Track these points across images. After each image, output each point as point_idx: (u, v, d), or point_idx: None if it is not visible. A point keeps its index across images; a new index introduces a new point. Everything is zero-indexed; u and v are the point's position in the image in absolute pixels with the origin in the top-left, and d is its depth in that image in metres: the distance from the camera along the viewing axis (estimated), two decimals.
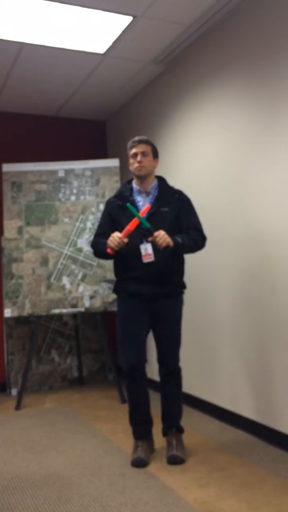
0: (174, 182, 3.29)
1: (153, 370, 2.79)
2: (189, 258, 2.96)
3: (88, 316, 4.59)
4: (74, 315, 4.52)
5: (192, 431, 3.02)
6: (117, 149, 4.75)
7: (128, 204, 2.55)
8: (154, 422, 2.75)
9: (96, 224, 3.80)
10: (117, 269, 2.75)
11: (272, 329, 2.78)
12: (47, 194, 4.06)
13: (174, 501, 2.15)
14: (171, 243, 2.50)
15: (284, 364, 2.69)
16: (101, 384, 4.49)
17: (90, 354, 4.62)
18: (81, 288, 3.96)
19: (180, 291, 2.72)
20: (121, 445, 2.86)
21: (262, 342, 2.86)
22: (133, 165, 2.68)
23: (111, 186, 4.03)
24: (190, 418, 3.23)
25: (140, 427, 2.70)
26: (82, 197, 4.07)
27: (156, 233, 2.48)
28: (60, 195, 4.06)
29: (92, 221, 4.02)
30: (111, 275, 3.75)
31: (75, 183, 4.08)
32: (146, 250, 2.57)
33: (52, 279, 3.95)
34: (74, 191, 4.08)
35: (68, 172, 4.08)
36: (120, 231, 2.54)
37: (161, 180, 2.79)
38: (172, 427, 2.69)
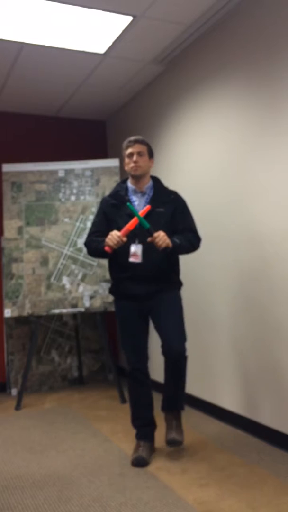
0: (174, 182, 3.30)
1: (154, 371, 2.78)
2: (188, 258, 2.97)
3: (88, 316, 4.59)
4: (74, 315, 4.52)
5: (192, 431, 3.02)
6: (117, 149, 4.75)
7: (128, 204, 2.56)
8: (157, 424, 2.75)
9: None
10: (112, 269, 2.75)
11: (271, 329, 2.78)
12: (47, 194, 4.06)
13: (174, 501, 2.15)
14: (170, 244, 2.50)
15: (284, 364, 2.69)
16: (101, 384, 4.49)
17: (90, 354, 4.62)
18: (81, 288, 3.96)
19: (176, 286, 2.72)
20: (121, 445, 2.86)
21: (261, 342, 2.86)
22: (129, 165, 2.69)
23: (111, 186, 4.01)
24: (190, 418, 3.23)
25: (143, 428, 2.70)
26: (82, 197, 4.07)
27: (156, 234, 2.48)
28: (60, 195, 4.06)
29: (92, 221, 4.01)
30: None
31: (75, 183, 4.08)
32: (136, 250, 2.58)
33: (52, 279, 3.96)
34: (74, 191, 4.08)
35: (68, 172, 4.08)
36: (116, 230, 2.55)
37: (156, 181, 2.79)
38: (173, 407, 2.66)
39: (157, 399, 2.76)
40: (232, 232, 3.11)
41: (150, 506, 2.12)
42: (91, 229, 2.81)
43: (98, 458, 2.69)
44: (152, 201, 2.67)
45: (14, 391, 4.24)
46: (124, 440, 2.93)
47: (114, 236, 2.51)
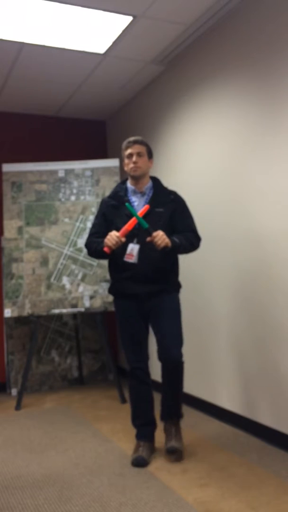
0: (174, 182, 3.30)
1: (154, 371, 2.78)
2: (187, 258, 2.97)
3: (88, 316, 4.59)
4: (74, 315, 4.52)
5: (192, 431, 3.02)
6: (117, 149, 4.75)
7: (127, 204, 2.56)
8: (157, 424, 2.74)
9: None
10: (111, 269, 2.75)
11: (271, 329, 2.78)
12: (47, 194, 4.06)
13: (174, 501, 2.15)
14: (169, 244, 2.50)
15: (283, 363, 2.69)
16: (101, 384, 4.49)
17: (90, 354, 4.62)
18: (81, 288, 3.96)
19: (175, 288, 2.72)
20: (121, 445, 2.86)
21: (261, 342, 2.86)
22: (128, 165, 2.69)
23: (111, 186, 4.02)
24: (190, 418, 3.23)
25: (143, 428, 2.70)
26: (82, 197, 4.07)
27: (154, 234, 2.48)
28: (60, 195, 4.06)
29: (92, 221, 4.01)
30: None
31: (75, 183, 4.08)
32: (132, 250, 2.58)
33: (52, 279, 3.96)
34: (74, 191, 4.08)
35: (68, 172, 4.08)
36: (115, 230, 2.55)
37: (155, 181, 2.79)
38: (173, 415, 2.67)
39: (158, 399, 2.76)
40: (231, 232, 3.11)
41: (150, 506, 2.12)
42: (91, 230, 2.82)
43: (98, 458, 2.69)
44: (152, 202, 2.68)
45: (14, 391, 4.24)
46: (124, 440, 2.93)
47: (113, 237, 2.52)
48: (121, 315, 2.71)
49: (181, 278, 2.79)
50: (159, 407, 2.72)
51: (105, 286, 3.95)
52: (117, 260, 2.65)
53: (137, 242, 2.59)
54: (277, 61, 2.69)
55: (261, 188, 2.84)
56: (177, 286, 2.73)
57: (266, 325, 2.82)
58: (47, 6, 2.87)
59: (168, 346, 2.60)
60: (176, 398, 2.69)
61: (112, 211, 2.72)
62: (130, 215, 2.54)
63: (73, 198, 4.07)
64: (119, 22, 3.11)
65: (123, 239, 2.52)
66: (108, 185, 4.05)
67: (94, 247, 2.71)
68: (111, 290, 2.77)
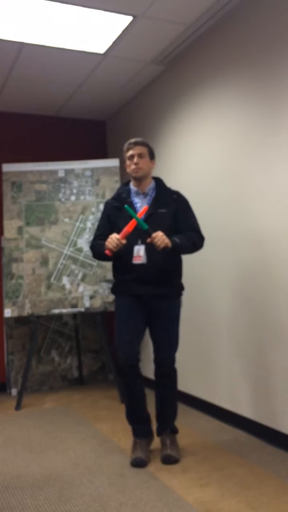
0: (175, 181, 3.29)
1: (148, 369, 2.78)
2: (188, 258, 2.96)
3: (88, 316, 4.59)
4: (74, 315, 4.52)
5: (191, 431, 3.02)
6: (117, 149, 4.75)
7: (126, 206, 2.55)
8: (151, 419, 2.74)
9: (96, 224, 3.81)
10: (115, 271, 2.75)
11: (271, 329, 2.78)
12: (47, 194, 4.06)
13: (174, 501, 2.15)
14: (169, 244, 2.49)
15: (283, 363, 2.69)
16: (101, 384, 4.49)
17: (90, 354, 4.62)
18: (81, 288, 3.96)
19: (178, 292, 2.72)
20: (121, 445, 2.86)
21: (261, 342, 2.86)
22: (130, 167, 2.69)
23: (111, 186, 4.03)
24: (189, 418, 3.24)
25: (138, 425, 2.70)
26: (82, 197, 4.07)
27: (154, 234, 2.48)
28: (60, 195, 4.06)
29: (92, 221, 4.02)
30: (111, 275, 3.73)
31: (75, 183, 4.08)
32: (139, 251, 2.58)
33: (52, 279, 3.96)
34: (74, 191, 4.08)
35: (68, 172, 4.08)
36: (117, 232, 2.55)
37: (158, 181, 2.79)
38: (166, 428, 2.70)
39: (150, 395, 2.76)
40: (231, 232, 3.11)
41: (150, 506, 2.12)
42: (95, 232, 2.83)
43: (98, 458, 2.69)
44: (154, 202, 2.67)
45: (14, 391, 4.24)
46: (124, 440, 2.93)
47: (113, 239, 2.51)
48: (122, 306, 2.68)
49: (182, 278, 2.79)
50: (153, 406, 2.72)
51: (105, 286, 3.95)
52: (121, 262, 2.65)
53: (142, 243, 2.58)
54: (277, 61, 2.69)
55: (261, 188, 2.84)
56: (180, 288, 2.73)
57: (267, 325, 2.82)
58: (47, 6, 2.87)
59: (163, 355, 2.69)
60: (169, 409, 2.71)
61: (116, 212, 2.71)
62: (131, 217, 2.53)
63: (73, 198, 4.07)
64: (119, 22, 3.11)
65: (124, 241, 2.52)
66: (108, 185, 4.05)
67: (98, 250, 2.72)
68: (114, 290, 2.76)
